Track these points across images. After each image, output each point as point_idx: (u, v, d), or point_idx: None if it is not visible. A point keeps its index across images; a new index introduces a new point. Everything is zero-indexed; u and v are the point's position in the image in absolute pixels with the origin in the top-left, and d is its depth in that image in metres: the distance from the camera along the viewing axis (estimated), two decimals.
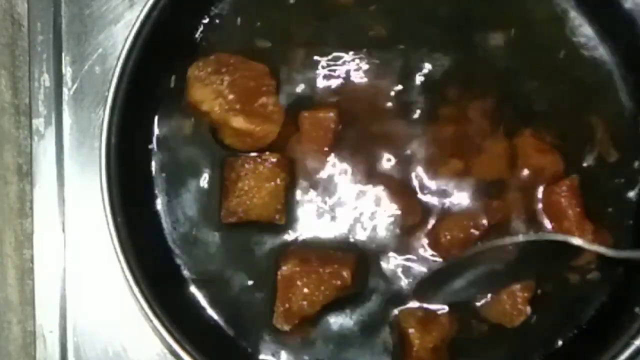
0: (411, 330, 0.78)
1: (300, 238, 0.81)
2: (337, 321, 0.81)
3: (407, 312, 0.80)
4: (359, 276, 0.80)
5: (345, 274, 0.78)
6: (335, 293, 0.78)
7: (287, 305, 0.78)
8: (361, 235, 0.81)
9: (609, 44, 0.82)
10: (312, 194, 0.82)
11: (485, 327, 0.80)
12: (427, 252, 0.81)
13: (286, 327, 0.78)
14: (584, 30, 0.83)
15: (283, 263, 0.79)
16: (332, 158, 0.82)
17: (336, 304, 0.79)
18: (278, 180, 0.80)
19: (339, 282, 0.78)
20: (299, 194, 0.82)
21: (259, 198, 0.80)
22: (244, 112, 0.79)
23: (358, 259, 0.80)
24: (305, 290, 0.78)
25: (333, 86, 0.83)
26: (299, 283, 0.78)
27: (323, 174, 0.82)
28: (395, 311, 0.80)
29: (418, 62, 0.82)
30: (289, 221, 0.81)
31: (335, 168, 0.82)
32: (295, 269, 0.78)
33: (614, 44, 0.82)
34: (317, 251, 0.80)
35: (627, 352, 0.74)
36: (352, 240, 0.81)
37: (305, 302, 0.78)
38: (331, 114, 0.80)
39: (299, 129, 0.81)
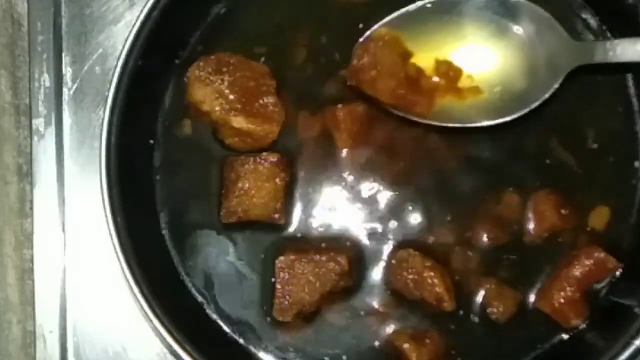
0: (406, 346, 0.78)
1: (300, 237, 0.81)
2: (334, 322, 0.81)
3: (398, 331, 0.80)
4: (357, 272, 0.80)
5: (341, 259, 0.78)
6: (333, 279, 0.78)
7: (286, 295, 0.78)
8: (361, 235, 0.81)
9: None
10: (312, 193, 0.82)
11: (478, 326, 0.80)
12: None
13: (287, 318, 0.78)
14: None
15: (280, 255, 0.79)
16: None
17: (333, 306, 0.80)
18: (277, 180, 0.80)
19: (336, 267, 0.78)
20: (298, 194, 0.82)
21: (258, 198, 0.80)
22: (245, 112, 0.79)
23: (355, 253, 0.80)
24: (303, 278, 0.78)
25: (334, 86, 0.83)
26: (297, 272, 0.78)
27: (359, 167, 0.82)
28: (388, 330, 0.80)
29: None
30: (289, 221, 0.81)
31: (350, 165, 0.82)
32: (291, 257, 0.78)
33: None
34: (313, 245, 0.80)
35: (627, 352, 0.74)
36: (352, 240, 0.81)
37: (303, 291, 0.78)
38: (361, 108, 0.81)
39: (334, 124, 0.81)
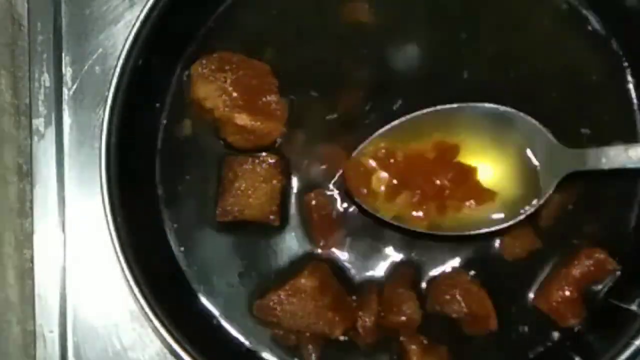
0: (413, 347, 0.78)
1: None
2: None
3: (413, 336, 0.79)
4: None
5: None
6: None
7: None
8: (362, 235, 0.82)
9: None
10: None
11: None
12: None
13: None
14: None
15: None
16: None
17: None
18: (274, 182, 0.80)
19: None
20: (295, 196, 0.82)
21: (255, 198, 0.80)
22: (248, 109, 0.79)
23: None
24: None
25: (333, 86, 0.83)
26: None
27: None
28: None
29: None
30: (284, 223, 0.81)
31: None
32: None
33: None
34: None
35: (627, 352, 0.74)
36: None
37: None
38: None
39: None
